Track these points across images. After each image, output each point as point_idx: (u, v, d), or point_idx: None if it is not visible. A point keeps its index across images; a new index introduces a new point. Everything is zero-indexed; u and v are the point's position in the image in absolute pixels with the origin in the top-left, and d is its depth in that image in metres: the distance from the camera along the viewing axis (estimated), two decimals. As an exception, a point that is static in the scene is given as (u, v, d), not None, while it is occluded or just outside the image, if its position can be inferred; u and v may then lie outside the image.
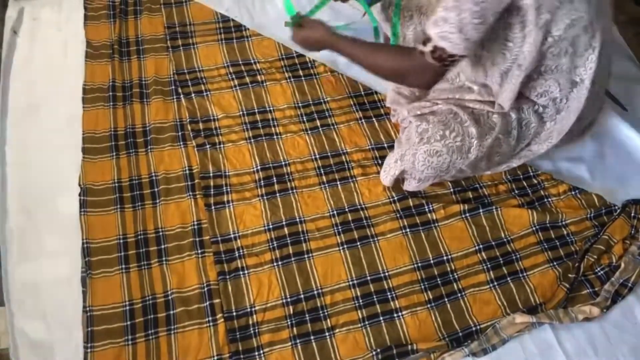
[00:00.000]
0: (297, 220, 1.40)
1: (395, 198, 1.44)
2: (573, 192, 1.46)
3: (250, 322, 1.25)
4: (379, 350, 1.21)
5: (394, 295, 1.30)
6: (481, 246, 1.38)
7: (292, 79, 1.68)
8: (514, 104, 1.27)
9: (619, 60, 1.71)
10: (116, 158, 1.48)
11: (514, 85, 1.20)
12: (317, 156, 1.52)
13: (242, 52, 1.74)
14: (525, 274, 1.34)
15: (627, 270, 1.31)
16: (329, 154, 1.53)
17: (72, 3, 1.84)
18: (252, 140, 1.54)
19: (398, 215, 1.42)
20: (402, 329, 1.26)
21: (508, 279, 1.33)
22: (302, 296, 1.29)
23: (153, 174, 1.46)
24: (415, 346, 1.21)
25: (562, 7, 1.09)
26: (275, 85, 1.67)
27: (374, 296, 1.30)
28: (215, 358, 1.21)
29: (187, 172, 1.47)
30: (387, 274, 1.33)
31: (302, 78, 1.69)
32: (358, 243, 1.37)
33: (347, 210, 1.42)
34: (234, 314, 1.26)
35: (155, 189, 1.43)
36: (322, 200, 1.44)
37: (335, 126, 1.58)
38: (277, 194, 1.44)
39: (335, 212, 1.42)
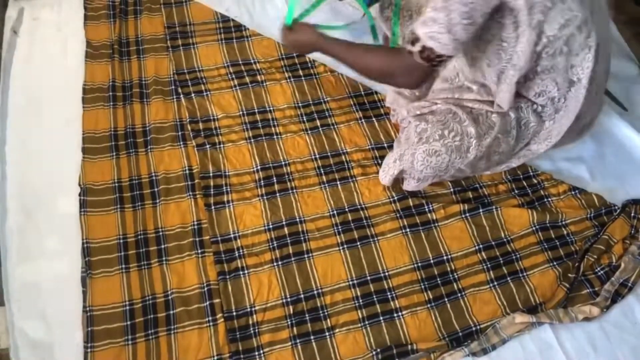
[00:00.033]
0: (297, 220, 1.40)
1: (395, 198, 1.44)
2: (573, 192, 1.46)
3: (250, 322, 1.25)
4: (379, 350, 1.22)
5: (394, 295, 1.30)
6: (481, 246, 1.38)
7: (292, 79, 1.68)
8: (513, 104, 1.27)
9: (619, 60, 1.72)
10: (116, 158, 1.48)
11: (510, 85, 1.20)
12: (317, 156, 1.52)
13: (242, 52, 1.74)
14: (525, 274, 1.34)
15: (627, 270, 1.31)
16: (329, 153, 1.53)
17: (72, 3, 1.84)
18: (252, 140, 1.54)
19: (398, 215, 1.42)
20: (402, 329, 1.26)
21: (508, 278, 1.33)
22: (302, 296, 1.29)
23: (153, 174, 1.46)
24: (415, 346, 1.21)
25: (555, 7, 1.09)
26: (275, 85, 1.67)
27: (374, 296, 1.30)
28: (215, 358, 1.21)
29: (187, 172, 1.47)
30: (387, 273, 1.33)
31: (302, 78, 1.69)
32: (358, 243, 1.37)
33: (347, 210, 1.42)
34: (234, 313, 1.26)
35: (155, 189, 1.43)
36: (322, 200, 1.44)
37: (335, 126, 1.58)
38: (277, 194, 1.44)
39: (335, 212, 1.42)
